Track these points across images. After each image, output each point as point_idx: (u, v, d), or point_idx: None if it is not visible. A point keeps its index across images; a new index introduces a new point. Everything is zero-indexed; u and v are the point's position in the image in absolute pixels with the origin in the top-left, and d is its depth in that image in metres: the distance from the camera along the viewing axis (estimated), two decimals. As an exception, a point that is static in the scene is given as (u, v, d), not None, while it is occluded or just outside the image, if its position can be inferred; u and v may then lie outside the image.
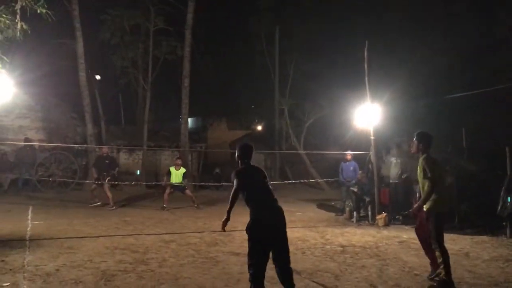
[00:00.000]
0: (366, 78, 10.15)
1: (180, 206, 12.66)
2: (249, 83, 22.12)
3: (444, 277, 5.27)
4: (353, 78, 12.90)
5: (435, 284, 5.45)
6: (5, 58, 8.41)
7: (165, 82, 21.30)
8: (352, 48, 13.13)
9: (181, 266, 6.30)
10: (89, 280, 5.51)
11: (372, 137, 10.15)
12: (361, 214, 10.74)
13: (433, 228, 5.42)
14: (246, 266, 6.20)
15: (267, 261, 4.59)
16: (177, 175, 12.46)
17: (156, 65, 18.91)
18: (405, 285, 5.52)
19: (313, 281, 5.58)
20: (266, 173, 5.10)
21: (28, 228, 8.87)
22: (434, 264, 5.65)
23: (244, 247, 7.53)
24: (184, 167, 12.94)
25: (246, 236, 8.52)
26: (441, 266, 5.32)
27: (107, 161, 12.34)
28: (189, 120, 21.73)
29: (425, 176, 5.47)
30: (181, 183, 12.43)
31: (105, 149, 13.10)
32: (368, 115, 10.04)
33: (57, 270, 5.94)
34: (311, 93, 17.90)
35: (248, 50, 21.39)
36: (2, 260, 6.33)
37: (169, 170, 12.61)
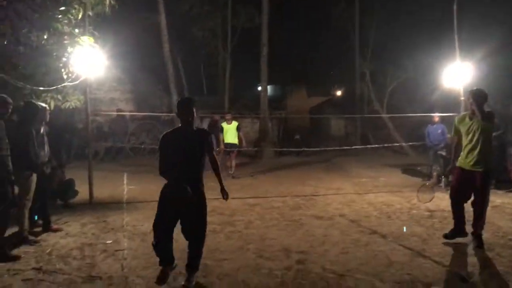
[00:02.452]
0: (456, 35, 9.48)
1: (261, 172, 12.91)
2: (328, 48, 21.64)
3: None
4: (440, 36, 12.11)
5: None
6: (96, 33, 8.92)
7: (244, 50, 21.47)
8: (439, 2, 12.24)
9: (267, 228, 6.49)
10: (181, 238, 5.84)
11: (461, 98, 9.53)
12: (450, 179, 10.25)
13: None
14: (331, 230, 6.30)
15: (170, 227, 4.28)
16: (230, 130, 12.11)
17: (235, 34, 19.07)
18: (499, 250, 5.27)
19: (400, 245, 5.49)
20: (208, 139, 4.31)
21: (124, 192, 9.57)
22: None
23: (326, 211, 7.62)
24: (264, 134, 12.99)
25: (328, 201, 8.58)
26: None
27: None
28: (269, 88, 21.83)
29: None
30: (236, 143, 12.01)
31: (216, 117, 13.34)
32: (457, 74, 9.40)
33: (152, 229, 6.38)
34: (394, 56, 17.10)
35: (327, 15, 20.81)
36: (104, 221, 6.92)
37: (221, 126, 12.28)
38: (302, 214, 7.40)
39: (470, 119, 5.42)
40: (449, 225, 6.47)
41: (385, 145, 15.38)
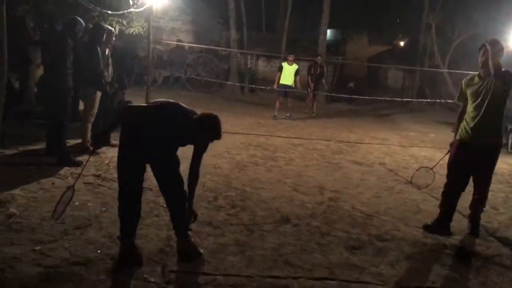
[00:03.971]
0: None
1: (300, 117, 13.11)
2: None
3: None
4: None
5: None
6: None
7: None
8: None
9: (306, 167, 6.81)
10: (226, 167, 6.31)
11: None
12: (503, 142, 10.05)
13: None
14: (367, 175, 6.54)
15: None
16: (289, 71, 12.14)
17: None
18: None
19: (432, 196, 5.65)
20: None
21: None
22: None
23: (367, 158, 7.81)
24: (319, 78, 13.07)
25: (371, 149, 8.74)
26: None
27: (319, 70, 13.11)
28: (329, 31, 21.34)
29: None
30: (292, 84, 12.16)
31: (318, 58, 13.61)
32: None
33: (200, 155, 6.87)
34: (464, 8, 16.16)
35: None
36: (157, 142, 7.47)
37: (281, 65, 12.36)
38: (342, 158, 7.64)
39: (480, 78, 4.30)
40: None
41: (438, 100, 15.01)
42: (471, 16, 15.80)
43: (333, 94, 15.22)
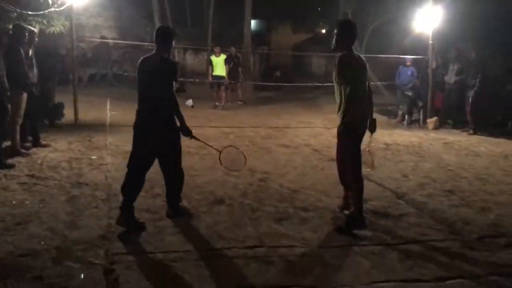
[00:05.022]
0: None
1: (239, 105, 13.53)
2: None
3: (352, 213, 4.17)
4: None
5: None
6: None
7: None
8: None
9: (237, 153, 7.19)
10: (159, 158, 6.54)
11: (430, 41, 10.10)
12: (414, 118, 11.04)
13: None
14: (294, 156, 7.05)
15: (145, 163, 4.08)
16: (219, 63, 12.83)
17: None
18: (435, 176, 6.09)
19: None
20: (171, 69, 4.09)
21: (108, 116, 10.13)
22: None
23: (294, 141, 8.34)
24: (246, 69, 13.52)
25: (297, 133, 9.28)
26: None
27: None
28: (254, 22, 21.82)
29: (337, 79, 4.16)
30: (224, 75, 12.77)
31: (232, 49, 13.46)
32: (428, 17, 9.89)
33: (133, 149, 7.04)
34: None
35: None
36: (89, 140, 7.54)
37: (210, 58, 13.10)
38: (271, 143, 8.11)
39: None
40: (400, 156, 7.30)
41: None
42: (383, 3, 16.93)
43: (260, 83, 15.74)
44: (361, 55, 4.34)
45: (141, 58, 4.17)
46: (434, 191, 5.46)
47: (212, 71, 12.96)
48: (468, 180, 5.97)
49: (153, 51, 4.11)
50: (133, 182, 3.98)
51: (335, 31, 4.20)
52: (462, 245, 3.91)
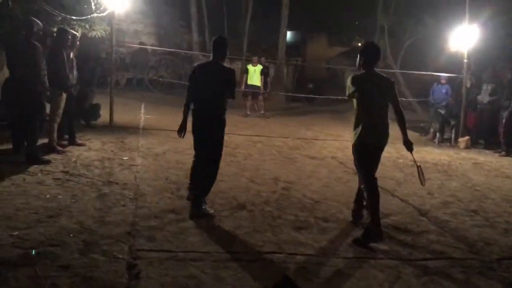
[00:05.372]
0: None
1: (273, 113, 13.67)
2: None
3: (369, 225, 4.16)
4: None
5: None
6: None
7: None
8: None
9: (263, 161, 7.32)
10: (188, 162, 6.65)
11: (465, 60, 9.99)
12: (445, 137, 10.90)
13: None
14: (319, 168, 7.11)
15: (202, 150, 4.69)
16: (255, 72, 13.02)
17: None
18: (461, 195, 6.03)
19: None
20: (228, 77, 4.60)
21: (142, 120, 10.46)
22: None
23: (321, 153, 8.40)
24: (279, 80, 13.69)
25: (325, 145, 9.33)
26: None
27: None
28: (290, 33, 21.98)
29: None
30: (259, 85, 12.96)
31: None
32: (463, 36, 9.80)
33: (164, 152, 7.28)
34: (415, 11, 17.13)
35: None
36: (122, 141, 7.82)
37: (247, 67, 13.26)
38: (298, 154, 8.20)
39: None
40: (428, 174, 7.23)
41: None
42: (422, 19, 16.78)
43: (291, 94, 15.85)
44: (385, 76, 4.51)
45: (197, 64, 4.81)
46: (458, 210, 5.42)
47: (247, 79, 13.14)
48: (495, 201, 5.90)
49: (210, 58, 4.61)
50: (196, 169, 4.74)
51: (359, 51, 4.46)
52: (480, 265, 3.90)
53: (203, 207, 4.54)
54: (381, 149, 4.49)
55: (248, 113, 12.98)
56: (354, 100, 4.41)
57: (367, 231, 4.17)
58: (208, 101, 4.54)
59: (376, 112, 4.37)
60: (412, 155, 4.52)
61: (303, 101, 17.87)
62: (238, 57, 18.64)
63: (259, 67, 13.11)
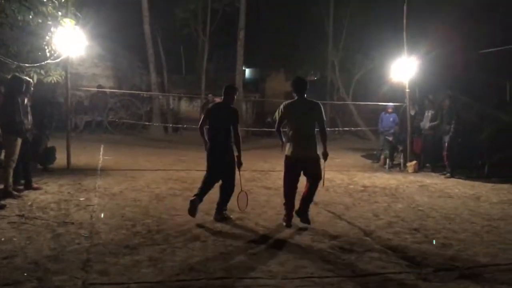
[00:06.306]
0: (404, 32, 10.59)
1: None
2: (305, 35, 22.52)
3: None
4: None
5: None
6: (79, 14, 9.74)
7: (225, 33, 22.20)
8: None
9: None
10: (145, 199, 6.91)
11: (407, 90, 10.70)
12: (395, 162, 11.47)
13: None
14: (274, 197, 7.40)
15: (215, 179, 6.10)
16: None
17: (215, 17, 19.86)
18: (404, 216, 6.43)
19: (326, 210, 6.63)
20: (234, 115, 6.02)
21: (100, 161, 10.54)
22: None
23: (276, 183, 8.71)
24: (238, 116, 14.10)
25: (281, 175, 9.63)
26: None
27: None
28: (248, 70, 22.62)
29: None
30: None
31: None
32: (404, 68, 10.54)
33: (121, 192, 7.42)
34: (363, 46, 18.17)
35: (304, 3, 21.68)
36: (79, 183, 7.90)
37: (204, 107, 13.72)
38: (254, 185, 8.48)
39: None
40: (376, 198, 7.65)
41: (346, 129, 16.52)
42: (368, 53, 17.79)
43: (250, 129, 16.26)
44: (314, 101, 5.96)
45: (212, 104, 6.51)
46: (401, 229, 5.78)
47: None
48: (436, 220, 6.31)
49: (222, 100, 6.12)
50: (207, 189, 5.97)
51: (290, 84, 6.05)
52: (417, 277, 4.22)
53: (224, 212, 5.97)
54: (310, 160, 5.82)
55: None
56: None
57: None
58: (221, 134, 5.95)
59: (304, 131, 5.72)
60: (324, 163, 6.00)
61: (263, 135, 18.30)
62: (197, 96, 19.09)
63: None
